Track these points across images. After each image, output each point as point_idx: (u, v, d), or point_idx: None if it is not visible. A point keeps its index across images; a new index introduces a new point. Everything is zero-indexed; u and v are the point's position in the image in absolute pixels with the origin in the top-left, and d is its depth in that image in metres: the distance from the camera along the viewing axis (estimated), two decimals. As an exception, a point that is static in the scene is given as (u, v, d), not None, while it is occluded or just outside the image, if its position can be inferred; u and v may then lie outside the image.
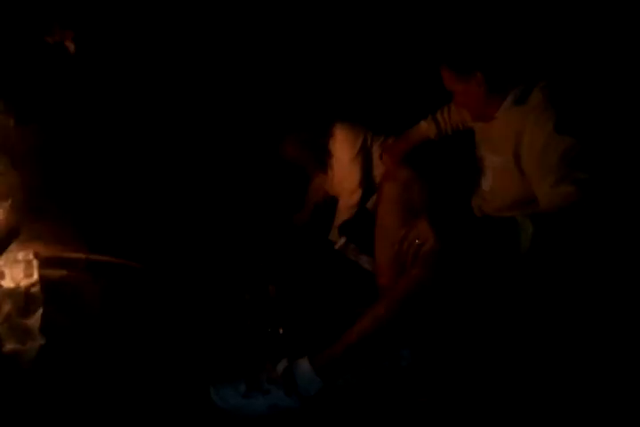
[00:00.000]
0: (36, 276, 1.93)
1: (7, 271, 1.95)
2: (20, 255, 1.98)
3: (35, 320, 1.82)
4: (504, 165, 2.00)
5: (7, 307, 1.84)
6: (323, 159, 3.02)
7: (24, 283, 1.90)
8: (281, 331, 2.14)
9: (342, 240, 2.77)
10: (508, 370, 1.92)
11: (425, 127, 2.42)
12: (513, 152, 1.94)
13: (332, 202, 3.16)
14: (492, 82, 1.94)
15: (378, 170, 2.91)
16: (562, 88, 1.93)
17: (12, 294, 1.86)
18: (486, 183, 2.13)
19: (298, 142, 3.02)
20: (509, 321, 1.92)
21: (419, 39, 2.98)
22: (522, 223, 1.67)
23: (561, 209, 1.69)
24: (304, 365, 1.83)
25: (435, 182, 2.22)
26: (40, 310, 1.84)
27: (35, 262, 1.97)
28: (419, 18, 3.03)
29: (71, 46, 2.60)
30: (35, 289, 1.90)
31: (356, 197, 2.95)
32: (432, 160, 2.49)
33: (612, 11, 2.76)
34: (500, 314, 1.91)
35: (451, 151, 2.45)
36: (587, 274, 1.90)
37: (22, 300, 1.86)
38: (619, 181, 1.78)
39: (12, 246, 2.06)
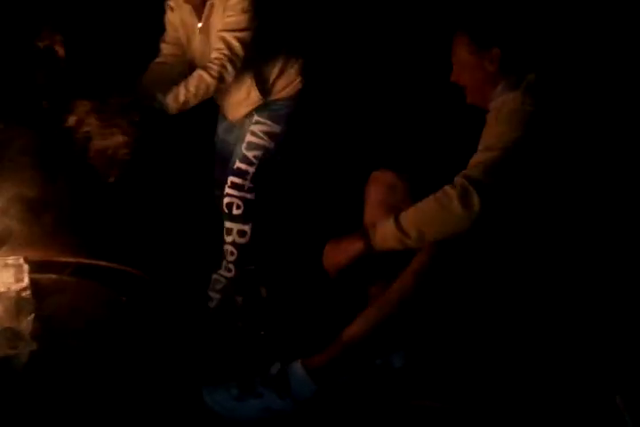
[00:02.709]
0: (26, 280, 1.92)
1: (-3, 276, 1.94)
2: (10, 260, 1.97)
3: (26, 325, 1.81)
4: None
5: (-2, 312, 1.83)
6: None
7: (14, 287, 1.89)
8: (273, 334, 2.14)
9: None
10: (502, 370, 1.92)
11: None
12: None
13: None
14: (505, 62, 1.92)
15: None
16: (547, 88, 1.92)
17: (2, 298, 1.85)
18: None
19: None
20: (503, 320, 1.92)
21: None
22: None
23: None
24: (297, 368, 1.83)
25: (419, 185, 2.21)
26: (31, 315, 1.83)
27: (25, 267, 1.96)
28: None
29: (60, 50, 2.59)
30: (25, 294, 1.89)
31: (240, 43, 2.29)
32: (416, 161, 2.49)
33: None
34: (493, 313, 1.91)
35: (436, 152, 2.45)
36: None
37: (13, 304, 1.84)
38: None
39: (2, 251, 2.05)
